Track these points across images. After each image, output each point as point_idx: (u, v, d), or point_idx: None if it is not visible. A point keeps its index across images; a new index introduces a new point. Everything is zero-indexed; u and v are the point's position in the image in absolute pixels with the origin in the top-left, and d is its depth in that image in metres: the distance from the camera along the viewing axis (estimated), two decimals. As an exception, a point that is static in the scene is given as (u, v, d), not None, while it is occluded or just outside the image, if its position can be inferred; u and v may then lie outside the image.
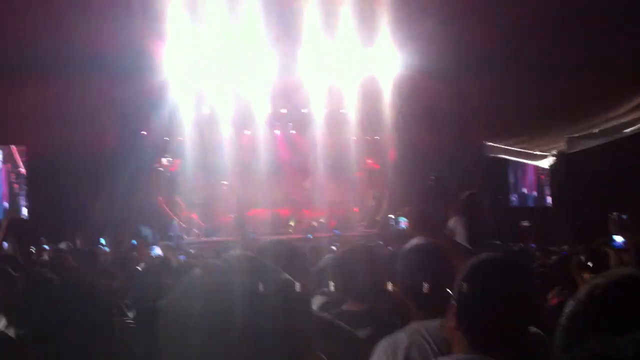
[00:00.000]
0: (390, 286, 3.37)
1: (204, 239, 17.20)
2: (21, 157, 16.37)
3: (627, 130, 10.00)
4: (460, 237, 4.86)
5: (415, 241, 2.84)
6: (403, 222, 14.89)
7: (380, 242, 12.13)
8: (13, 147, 16.43)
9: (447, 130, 15.93)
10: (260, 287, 1.13)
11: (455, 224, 5.10)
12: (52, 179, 14.59)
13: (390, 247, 8.47)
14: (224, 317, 1.09)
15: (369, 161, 20.01)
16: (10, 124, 15.07)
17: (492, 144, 15.00)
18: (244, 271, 1.16)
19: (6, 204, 16.18)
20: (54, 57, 13.82)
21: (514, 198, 17.76)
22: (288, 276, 1.22)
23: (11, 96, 13.76)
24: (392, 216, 17.11)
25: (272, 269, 1.21)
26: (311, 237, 15.41)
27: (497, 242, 8.99)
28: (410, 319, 2.38)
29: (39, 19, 13.40)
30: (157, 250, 7.70)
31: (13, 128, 15.33)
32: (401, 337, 2.17)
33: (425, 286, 2.24)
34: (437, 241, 2.79)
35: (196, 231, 18.26)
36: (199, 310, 1.11)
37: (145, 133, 17.24)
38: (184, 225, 17.94)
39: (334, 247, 6.67)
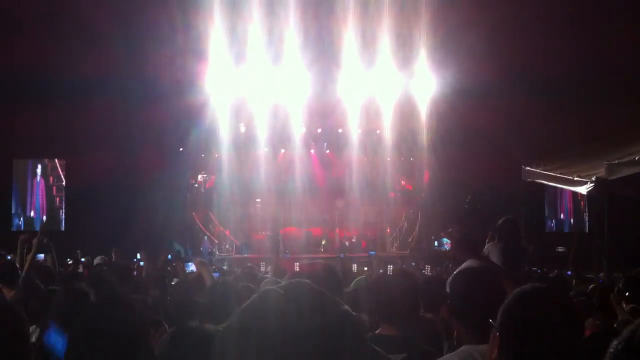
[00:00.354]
0: (423, 312, 3.34)
1: (236, 255, 17.29)
2: (62, 171, 16.73)
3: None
4: (496, 261, 4.80)
5: (467, 264, 2.82)
6: (446, 244, 14.76)
7: (413, 264, 12.05)
8: (57, 161, 16.80)
9: (484, 153, 15.78)
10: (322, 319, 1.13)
11: (491, 249, 5.04)
12: (90, 193, 14.88)
13: (423, 270, 8.41)
14: (283, 351, 1.09)
15: (403, 182, 19.93)
16: (53, 140, 15.49)
17: (529, 168, 14.79)
18: (306, 302, 1.15)
19: (44, 217, 16.54)
20: (96, 80, 14.21)
21: (551, 223, 17.46)
22: (347, 307, 1.22)
23: (56, 115, 14.17)
24: (433, 237, 16.99)
25: (331, 300, 1.20)
26: (343, 256, 15.37)
27: (534, 268, 8.87)
28: (454, 343, 2.35)
29: (83, 45, 13.84)
30: (192, 267, 7.73)
31: (56, 144, 15.74)
32: None
33: (479, 310, 2.19)
34: (489, 265, 2.76)
35: (228, 247, 18.38)
36: (256, 343, 1.11)
37: (182, 149, 17.50)
38: (216, 241, 18.08)
39: (366, 268, 6.63)
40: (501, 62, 14.22)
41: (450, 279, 2.52)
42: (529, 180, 14.98)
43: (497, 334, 1.71)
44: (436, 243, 16.15)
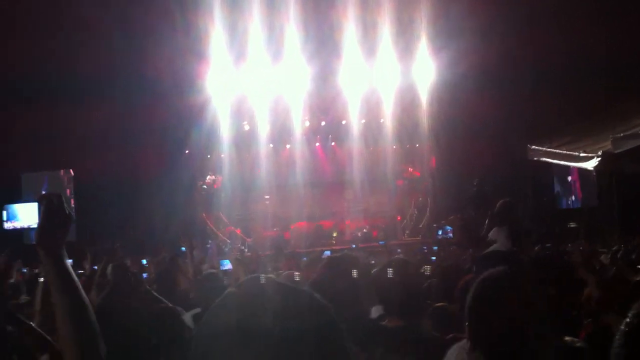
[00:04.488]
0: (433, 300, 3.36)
1: (249, 253, 17.32)
2: (68, 181, 16.71)
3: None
4: (503, 247, 4.81)
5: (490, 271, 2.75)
6: (449, 231, 14.74)
7: (425, 248, 12.06)
8: (62, 172, 16.83)
9: (487, 137, 15.75)
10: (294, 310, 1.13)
11: (496, 234, 5.04)
12: (98, 201, 14.96)
13: (434, 258, 8.42)
14: (255, 342, 1.10)
15: (410, 169, 19.92)
16: (57, 149, 15.55)
17: (535, 147, 14.75)
18: (267, 298, 1.16)
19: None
20: (96, 82, 14.25)
21: (561, 200, 17.41)
22: (320, 298, 1.22)
23: (56, 121, 14.22)
24: (435, 225, 16.95)
25: (299, 291, 1.21)
26: (355, 247, 15.39)
27: (548, 244, 8.85)
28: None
29: (83, 47, 13.87)
30: (228, 265, 7.74)
31: (60, 153, 15.80)
32: None
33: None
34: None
35: (241, 246, 18.45)
36: (227, 333, 1.12)
37: (188, 151, 17.57)
38: (228, 240, 18.14)
39: (373, 261, 6.63)
40: (500, 46, 14.16)
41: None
42: (536, 159, 14.98)
43: (466, 324, 1.73)
44: (440, 231, 16.11)
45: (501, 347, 1.68)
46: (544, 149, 14.43)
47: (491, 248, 2.83)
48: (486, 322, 1.70)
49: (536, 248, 6.91)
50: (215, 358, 1.11)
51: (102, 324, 1.59)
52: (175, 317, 3.47)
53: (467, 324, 1.73)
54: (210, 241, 17.08)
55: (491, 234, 5.16)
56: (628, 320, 1.13)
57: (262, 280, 1.21)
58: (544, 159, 14.80)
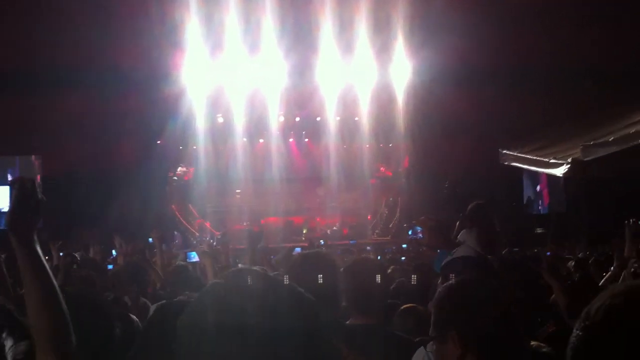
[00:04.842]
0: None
1: (218, 246, 17.18)
2: (38, 168, 16.43)
3: (643, 138, 9.90)
4: (472, 249, 4.82)
5: (459, 252, 2.77)
6: (420, 232, 14.82)
7: (393, 248, 12.11)
8: (33, 158, 16.52)
9: (462, 138, 15.87)
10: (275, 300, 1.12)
11: (465, 235, 5.05)
12: (66, 188, 14.71)
13: (403, 258, 8.45)
14: (239, 332, 1.08)
15: (382, 169, 19.99)
16: (27, 135, 15.25)
17: (506, 152, 14.91)
18: (251, 289, 1.16)
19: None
20: (70, 70, 14.01)
21: (529, 205, 17.64)
22: (300, 289, 1.22)
23: (29, 108, 13.97)
24: (406, 225, 17.04)
25: (280, 283, 1.21)
26: (323, 242, 15.38)
27: (515, 249, 8.93)
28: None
29: (56, 35, 13.61)
30: (195, 258, 7.67)
31: (30, 138, 15.50)
32: None
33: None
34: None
35: (209, 240, 18.30)
36: (213, 325, 1.11)
37: (160, 142, 17.37)
38: (196, 233, 18.00)
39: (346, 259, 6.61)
40: (478, 48, 14.25)
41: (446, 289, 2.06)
42: (507, 163, 15.12)
43: (455, 332, 1.72)
44: (410, 232, 16.21)
45: (492, 351, 1.69)
46: (515, 153, 14.57)
47: (459, 251, 2.82)
48: (476, 326, 1.71)
49: (504, 252, 6.96)
50: (200, 348, 1.10)
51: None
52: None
53: (450, 329, 1.73)
54: (175, 233, 16.92)
55: (460, 236, 5.17)
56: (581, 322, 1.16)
57: (248, 273, 1.22)
58: (515, 163, 14.94)
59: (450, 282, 1.95)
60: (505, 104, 14.96)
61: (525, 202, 17.68)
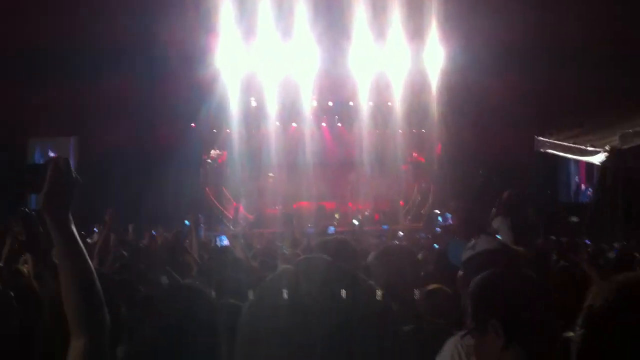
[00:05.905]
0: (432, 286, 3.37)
1: (250, 230, 17.35)
2: (75, 150, 16.73)
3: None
4: (505, 238, 4.79)
5: (481, 245, 2.69)
6: (450, 218, 14.72)
7: (427, 235, 12.06)
8: (70, 140, 16.80)
9: (497, 125, 15.66)
10: (343, 294, 1.14)
11: (499, 224, 5.02)
12: (101, 170, 14.99)
13: (436, 245, 8.41)
14: (307, 324, 1.12)
15: (415, 154, 19.88)
16: (65, 117, 15.57)
17: (542, 138, 14.68)
18: (318, 277, 1.18)
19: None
20: (108, 54, 14.24)
21: (565, 193, 17.37)
22: (365, 278, 1.24)
23: (67, 92, 14.23)
24: (438, 211, 16.93)
25: (348, 272, 1.22)
26: (357, 223, 15.39)
27: (550, 237, 8.82)
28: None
29: (94, 21, 13.84)
30: (225, 241, 7.77)
31: (67, 121, 15.82)
32: None
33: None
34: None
35: (242, 222, 18.49)
36: (282, 317, 1.14)
37: (194, 125, 17.56)
38: (230, 216, 18.18)
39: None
40: (514, 33, 14.01)
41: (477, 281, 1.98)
42: (542, 150, 14.89)
43: (497, 322, 1.71)
44: (440, 219, 16.07)
45: (535, 339, 1.70)
46: (551, 140, 14.34)
47: (481, 243, 2.74)
48: (519, 315, 1.71)
49: (539, 241, 6.89)
50: (267, 332, 1.13)
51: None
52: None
53: (491, 320, 1.73)
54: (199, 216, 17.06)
55: (494, 224, 5.14)
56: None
57: (318, 261, 1.24)
58: (551, 150, 14.70)
59: (488, 272, 1.93)
60: (542, 89, 14.70)
61: (559, 189, 17.40)
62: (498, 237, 4.99)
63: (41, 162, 1.62)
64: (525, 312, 1.71)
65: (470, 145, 16.24)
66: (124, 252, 5.40)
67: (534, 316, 1.71)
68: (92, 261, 1.58)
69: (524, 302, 1.74)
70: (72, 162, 1.60)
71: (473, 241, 2.76)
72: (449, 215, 15.08)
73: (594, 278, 3.86)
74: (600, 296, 1.17)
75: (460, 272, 2.73)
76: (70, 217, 1.55)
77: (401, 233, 12.13)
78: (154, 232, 8.80)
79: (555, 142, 13.82)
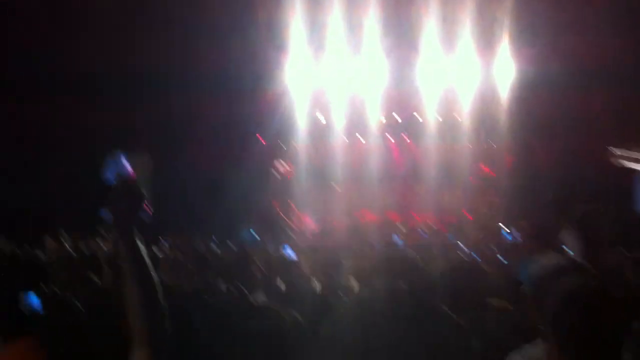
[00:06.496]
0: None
1: (316, 242, 17.41)
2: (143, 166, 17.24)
3: None
4: (575, 252, 4.66)
5: (548, 263, 2.62)
6: (518, 236, 14.33)
7: (494, 249, 11.79)
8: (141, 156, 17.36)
9: (568, 138, 15.21)
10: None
11: (569, 238, 4.88)
12: (175, 184, 15.45)
13: (503, 260, 8.24)
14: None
15: (485, 168, 19.53)
16: (138, 136, 16.17)
17: (617, 151, 14.11)
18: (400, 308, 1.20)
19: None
20: (180, 73, 14.74)
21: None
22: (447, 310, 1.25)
23: (141, 111, 14.80)
24: (507, 229, 16.51)
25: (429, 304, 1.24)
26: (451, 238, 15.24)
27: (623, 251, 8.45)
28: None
29: (166, 41, 14.37)
30: (290, 251, 7.86)
31: (141, 139, 16.41)
32: None
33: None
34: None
35: (308, 235, 18.60)
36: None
37: (260, 137, 17.89)
38: (295, 228, 18.34)
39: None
40: (586, 45, 13.63)
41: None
42: (620, 165, 14.30)
43: (558, 346, 1.69)
44: (506, 235, 15.63)
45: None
46: (627, 154, 13.76)
47: (548, 259, 2.67)
48: (593, 332, 1.69)
49: (611, 255, 6.63)
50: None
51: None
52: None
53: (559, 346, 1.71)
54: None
55: (565, 239, 4.99)
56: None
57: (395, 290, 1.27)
58: (628, 164, 14.09)
59: (566, 290, 1.87)
60: (615, 102, 14.21)
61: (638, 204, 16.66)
62: (569, 252, 4.87)
63: (114, 174, 1.68)
64: (600, 330, 1.69)
65: (542, 159, 15.83)
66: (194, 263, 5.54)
67: (608, 333, 1.68)
68: (159, 272, 1.63)
69: (599, 319, 1.71)
70: (147, 177, 1.65)
71: (542, 259, 2.72)
72: (515, 233, 14.69)
73: None
74: None
75: (529, 289, 2.69)
76: (135, 230, 1.59)
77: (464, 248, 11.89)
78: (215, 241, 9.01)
79: (631, 155, 13.26)
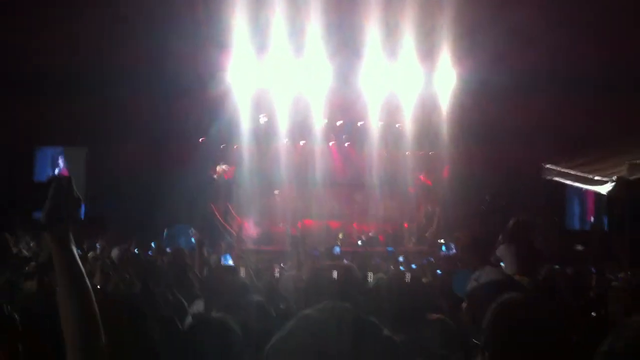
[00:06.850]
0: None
1: (254, 247, 17.28)
2: (83, 160, 16.73)
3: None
4: (509, 266, 4.78)
5: (487, 275, 2.63)
6: (453, 247, 14.62)
7: (431, 259, 12.00)
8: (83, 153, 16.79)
9: (505, 150, 15.62)
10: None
11: (503, 252, 5.00)
12: (111, 184, 15.05)
13: (439, 271, 8.38)
14: None
15: (422, 177, 19.84)
16: (76, 130, 15.68)
17: (550, 166, 14.62)
18: (344, 328, 1.18)
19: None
20: (121, 70, 14.40)
21: (572, 221, 17.28)
22: (388, 332, 1.24)
23: (80, 106, 14.40)
24: (442, 240, 16.82)
25: (373, 325, 1.22)
26: (361, 243, 15.36)
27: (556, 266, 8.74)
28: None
29: (108, 38, 14.03)
30: (230, 260, 7.75)
31: (79, 134, 15.93)
32: None
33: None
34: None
35: (246, 240, 18.44)
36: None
37: (202, 141, 17.62)
38: (234, 233, 18.15)
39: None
40: (525, 57, 14.03)
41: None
42: (549, 178, 14.81)
43: (485, 353, 1.72)
44: (444, 248, 15.92)
45: None
46: (559, 169, 14.25)
47: (486, 274, 2.72)
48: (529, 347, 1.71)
49: (544, 270, 6.83)
50: None
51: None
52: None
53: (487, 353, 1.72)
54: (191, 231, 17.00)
55: (498, 251, 5.11)
56: None
57: (338, 308, 1.24)
58: (558, 179, 14.61)
59: (502, 302, 1.89)
60: (552, 116, 14.69)
61: (566, 217, 17.31)
62: (502, 265, 4.99)
63: (49, 171, 1.64)
64: (534, 341, 1.71)
65: (478, 169, 16.20)
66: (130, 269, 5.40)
67: (539, 347, 1.71)
68: (95, 278, 1.59)
69: (537, 332, 1.73)
70: (82, 173, 1.62)
71: (477, 272, 2.75)
72: (452, 245, 14.98)
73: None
74: (622, 337, 1.16)
75: (465, 304, 2.72)
76: (71, 236, 1.56)
77: (401, 258, 12.05)
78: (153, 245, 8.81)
79: (563, 170, 13.74)
